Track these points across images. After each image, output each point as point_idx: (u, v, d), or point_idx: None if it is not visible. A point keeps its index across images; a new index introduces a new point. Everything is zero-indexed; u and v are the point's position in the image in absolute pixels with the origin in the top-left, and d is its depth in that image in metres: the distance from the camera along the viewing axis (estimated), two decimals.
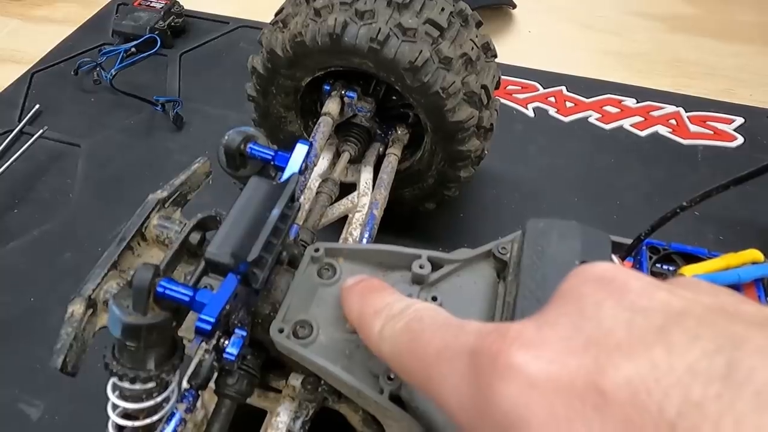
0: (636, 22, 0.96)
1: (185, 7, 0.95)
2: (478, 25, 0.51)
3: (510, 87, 0.80)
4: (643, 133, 0.74)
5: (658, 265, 0.39)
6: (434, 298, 0.38)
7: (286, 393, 0.42)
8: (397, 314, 0.25)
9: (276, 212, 0.34)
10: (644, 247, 0.39)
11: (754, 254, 0.37)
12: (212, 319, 0.28)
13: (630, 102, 0.78)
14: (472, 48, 0.47)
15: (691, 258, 0.39)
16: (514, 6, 0.95)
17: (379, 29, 0.45)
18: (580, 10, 0.99)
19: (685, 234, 0.59)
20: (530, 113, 0.77)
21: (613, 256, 0.40)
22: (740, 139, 0.73)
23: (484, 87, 0.48)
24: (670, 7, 1.00)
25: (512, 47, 0.91)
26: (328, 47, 0.47)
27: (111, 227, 0.64)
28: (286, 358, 0.41)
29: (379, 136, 0.55)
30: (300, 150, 0.37)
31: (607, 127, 0.75)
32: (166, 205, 0.43)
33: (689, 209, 0.37)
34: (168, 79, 0.86)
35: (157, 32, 0.87)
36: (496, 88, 0.53)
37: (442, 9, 0.46)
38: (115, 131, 0.79)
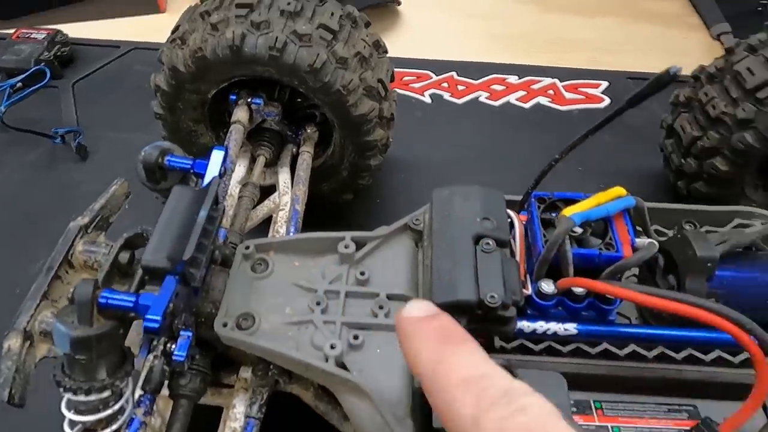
0: (514, 6, 1.06)
1: (70, 36, 0.92)
2: (367, 25, 0.55)
3: (406, 78, 0.86)
4: (527, 105, 0.82)
5: (547, 213, 0.45)
6: (362, 273, 0.42)
7: (239, 386, 0.44)
8: (500, 401, 0.19)
9: (203, 214, 0.36)
10: (533, 200, 0.45)
11: (619, 191, 0.44)
12: (158, 317, 0.30)
13: (513, 79, 0.86)
14: (365, 47, 0.52)
15: (571, 202, 0.46)
16: (399, 3, 1.01)
17: (276, 38, 0.48)
18: (462, 1, 1.07)
19: (573, 187, 0.68)
20: (427, 100, 0.83)
21: (509, 212, 0.47)
22: (607, 100, 0.84)
23: (380, 81, 0.53)
24: None
25: (403, 41, 0.97)
26: (229, 59, 0.49)
27: (28, 266, 0.62)
28: (235, 353, 0.43)
29: (290, 137, 0.58)
30: (216, 155, 0.39)
31: (496, 103, 0.83)
32: (89, 231, 0.43)
33: (563, 160, 0.44)
34: (63, 110, 0.84)
35: (43, 63, 0.84)
36: (392, 80, 0.58)
37: (332, 14, 0.50)
38: (14, 169, 0.76)
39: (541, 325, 0.41)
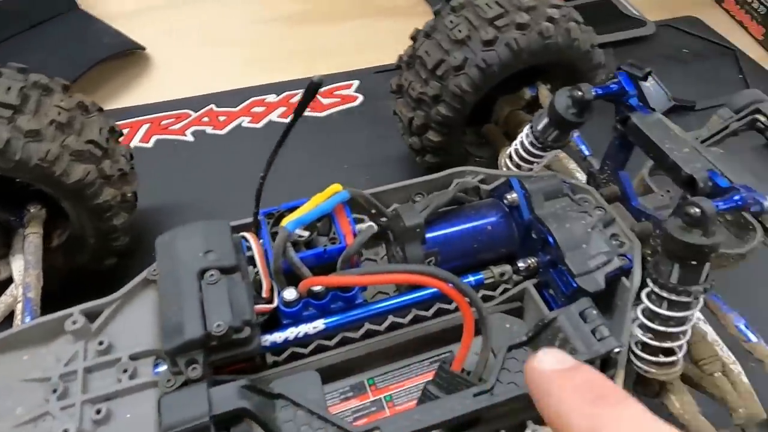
0: (261, 28, 1.09)
1: None
2: (65, 89, 0.53)
3: (164, 122, 0.85)
4: (289, 119, 0.86)
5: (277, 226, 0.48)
6: (101, 343, 0.41)
7: None
8: None
9: None
10: (263, 218, 0.48)
11: (335, 188, 0.48)
12: None
13: (272, 98, 0.89)
14: (60, 113, 0.49)
15: (297, 209, 0.49)
16: (143, 48, 0.98)
17: None
18: (209, 32, 1.07)
19: (344, 183, 0.73)
20: (190, 138, 0.83)
21: (246, 234, 0.49)
22: (360, 97, 0.90)
23: (91, 142, 0.51)
24: (284, 8, 1.14)
25: (156, 85, 0.95)
26: None
27: None
28: None
29: (15, 221, 0.54)
30: None
31: (259, 125, 0.85)
32: None
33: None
34: None
35: None
36: (116, 136, 0.56)
37: (9, 88, 0.48)
38: None
39: (291, 332, 0.43)
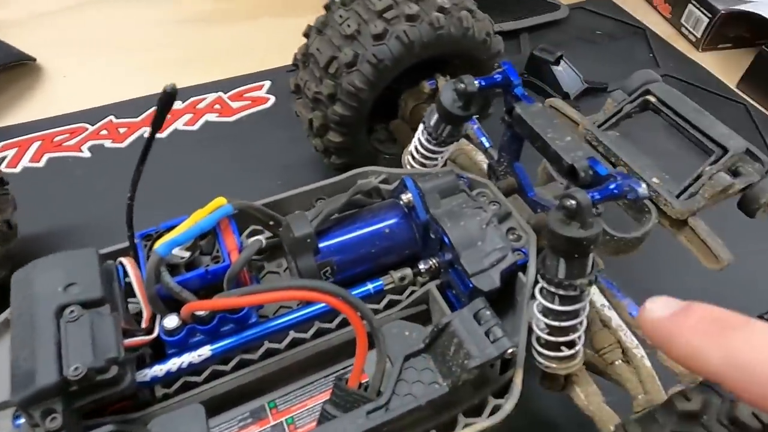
0: (164, 31, 1.03)
1: None
2: None
3: (58, 138, 0.78)
4: (195, 127, 0.81)
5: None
6: None
7: None
8: None
9: None
10: (139, 240, 0.44)
11: (219, 201, 0.45)
12: None
13: (177, 105, 0.84)
14: None
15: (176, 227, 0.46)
16: (33, 59, 0.91)
17: None
18: (107, 38, 1.00)
19: (254, 186, 0.69)
20: (86, 154, 0.77)
21: (123, 259, 0.45)
22: (272, 99, 0.87)
23: None
24: (188, 9, 1.08)
25: (49, 98, 0.87)
26: None
27: None
28: None
29: None
30: None
31: (164, 135, 0.80)
32: None
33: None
34: None
35: None
36: None
37: None
38: None
39: (174, 363, 0.40)
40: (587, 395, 0.42)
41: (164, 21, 1.04)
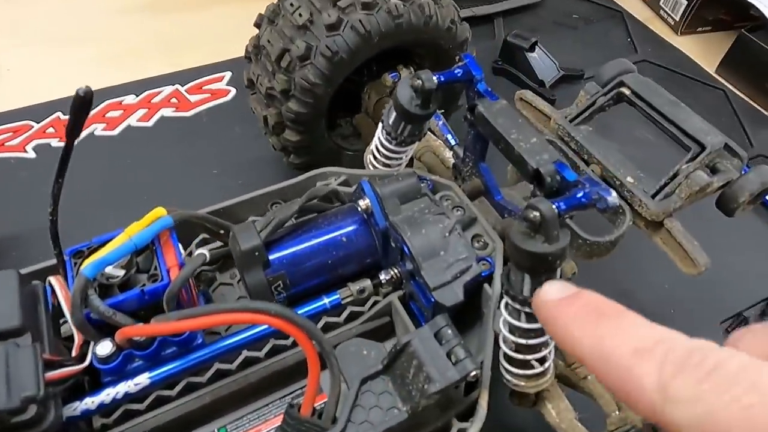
0: (113, 21, 0.96)
1: None
2: None
3: (1, 137, 0.73)
4: (149, 123, 0.76)
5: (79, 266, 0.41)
6: None
7: None
8: (687, 364, 0.17)
9: None
10: (68, 258, 0.40)
11: (158, 212, 0.41)
12: None
13: (130, 99, 0.79)
14: None
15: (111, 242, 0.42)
16: None
17: None
18: (52, 29, 0.94)
19: (213, 189, 0.65)
20: (31, 155, 0.72)
21: (52, 278, 0.41)
22: (233, 91, 0.82)
23: None
24: None
25: None
26: None
27: None
28: None
29: None
30: None
31: (115, 132, 0.75)
32: None
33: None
34: None
35: None
36: None
37: None
38: None
39: (108, 393, 0.37)
40: (558, 412, 0.40)
41: (112, 10, 0.97)
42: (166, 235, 0.41)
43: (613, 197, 0.31)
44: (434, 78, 0.38)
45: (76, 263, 0.39)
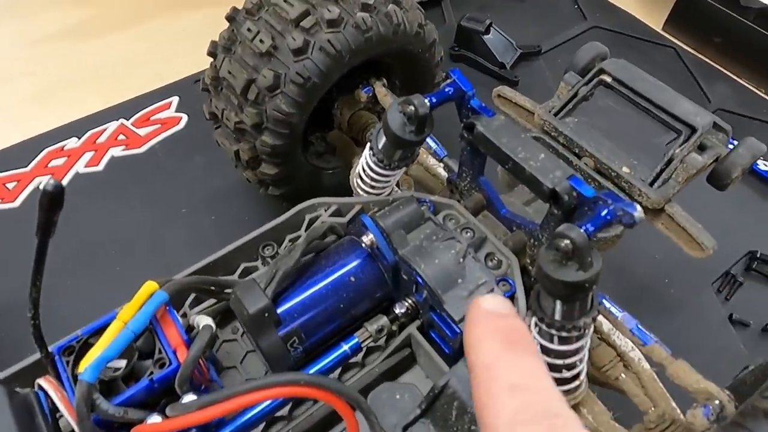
0: (36, 52, 0.86)
1: None
2: None
3: None
4: (99, 167, 0.70)
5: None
6: None
7: None
8: (537, 421, 0.19)
9: None
10: (58, 356, 0.36)
11: (150, 287, 0.37)
12: None
13: (72, 143, 0.73)
14: None
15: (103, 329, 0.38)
16: None
17: None
18: None
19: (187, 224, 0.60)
20: None
21: (42, 382, 0.37)
22: (184, 117, 0.76)
23: None
24: (58, 21, 0.91)
25: None
26: None
27: None
28: None
29: None
30: None
31: (64, 182, 0.69)
32: None
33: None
34: None
35: None
36: None
37: None
38: None
39: None
40: (594, 416, 0.40)
41: (24, 42, 0.87)
42: (163, 311, 0.37)
43: (639, 212, 0.30)
44: (426, 101, 0.36)
45: (68, 361, 0.36)
